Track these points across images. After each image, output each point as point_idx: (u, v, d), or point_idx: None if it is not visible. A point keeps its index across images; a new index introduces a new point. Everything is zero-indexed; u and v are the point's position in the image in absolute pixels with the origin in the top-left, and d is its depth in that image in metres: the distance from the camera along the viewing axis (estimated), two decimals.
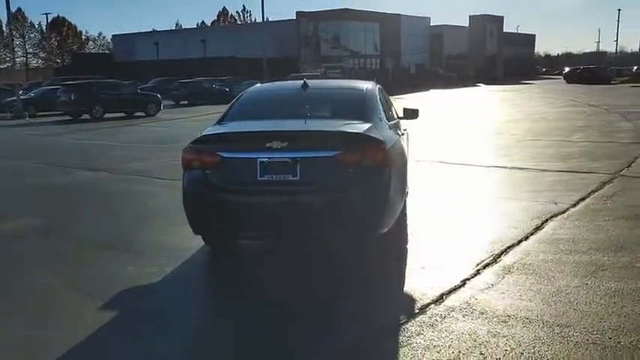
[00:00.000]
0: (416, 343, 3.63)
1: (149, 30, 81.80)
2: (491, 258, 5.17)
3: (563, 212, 6.68)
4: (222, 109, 6.06)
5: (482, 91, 46.77)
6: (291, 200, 4.60)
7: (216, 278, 5.35)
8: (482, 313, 4.02)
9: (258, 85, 6.82)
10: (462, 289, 4.51)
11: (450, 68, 67.26)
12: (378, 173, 4.67)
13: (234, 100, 6.08)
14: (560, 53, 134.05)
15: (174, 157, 6.88)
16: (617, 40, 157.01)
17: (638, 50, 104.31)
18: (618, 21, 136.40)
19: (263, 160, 4.59)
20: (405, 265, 5.17)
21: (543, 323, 3.83)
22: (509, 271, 4.86)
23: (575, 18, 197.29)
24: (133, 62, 64.60)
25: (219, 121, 5.48)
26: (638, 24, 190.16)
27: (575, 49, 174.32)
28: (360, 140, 4.69)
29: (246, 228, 4.89)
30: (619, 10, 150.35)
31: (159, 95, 28.33)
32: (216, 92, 36.14)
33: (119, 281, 4.92)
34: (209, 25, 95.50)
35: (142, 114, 26.41)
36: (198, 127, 6.81)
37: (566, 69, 64.79)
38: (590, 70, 57.46)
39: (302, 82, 5.90)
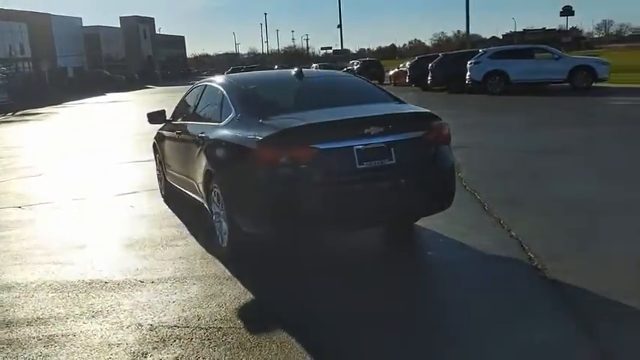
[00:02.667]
0: None
1: None
2: None
3: None
4: None
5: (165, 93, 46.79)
6: (395, 184, 4.57)
7: None
8: None
9: (227, 79, 6.04)
10: None
11: (112, 70, 65.04)
12: (448, 148, 4.98)
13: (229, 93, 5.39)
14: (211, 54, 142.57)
15: None
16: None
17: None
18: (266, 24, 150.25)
19: (359, 147, 4.41)
20: None
21: None
22: None
23: (214, 20, 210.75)
24: None
25: (246, 117, 4.90)
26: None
27: (212, 51, 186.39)
28: (434, 119, 4.90)
29: (354, 218, 4.65)
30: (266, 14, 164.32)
31: None
32: None
33: None
34: None
35: None
36: None
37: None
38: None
39: (295, 71, 5.67)
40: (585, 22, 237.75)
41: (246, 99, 5.25)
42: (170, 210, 7.01)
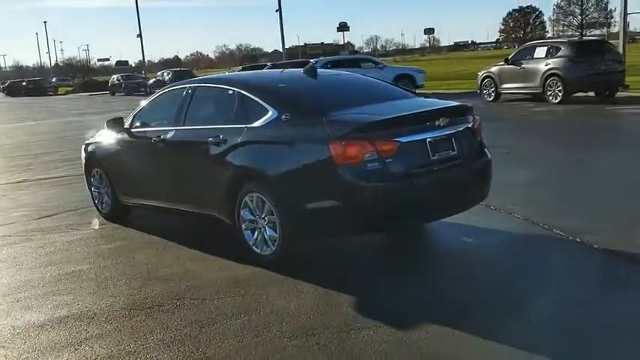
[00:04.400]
0: None
1: None
2: None
3: None
4: None
5: None
6: (461, 174, 4.79)
7: None
8: None
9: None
10: None
11: None
12: (482, 138, 5.27)
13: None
14: None
15: None
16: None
17: None
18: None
19: (430, 139, 4.56)
20: None
21: None
22: None
23: None
24: None
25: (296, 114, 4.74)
26: None
27: None
28: (473, 111, 5.20)
29: (435, 210, 4.74)
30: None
31: None
32: None
33: None
34: None
35: None
36: None
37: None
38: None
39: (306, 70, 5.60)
40: (355, 37, 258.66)
41: (288, 98, 5.03)
42: (137, 228, 6.43)
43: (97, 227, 6.59)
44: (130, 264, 5.27)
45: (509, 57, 17.34)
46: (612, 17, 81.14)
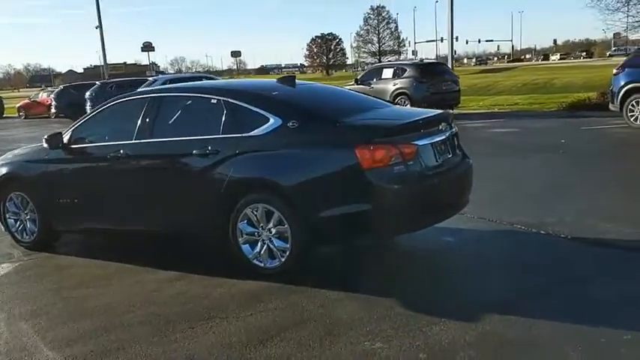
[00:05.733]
0: None
1: None
2: None
3: None
4: None
5: None
6: (463, 175, 5.08)
7: None
8: None
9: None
10: None
11: None
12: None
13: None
14: None
15: None
16: None
17: None
18: None
19: (434, 143, 4.76)
20: None
21: None
22: None
23: None
24: None
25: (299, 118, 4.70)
26: None
27: None
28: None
29: (446, 210, 4.91)
30: None
31: None
32: None
33: None
34: None
35: None
36: None
37: None
38: None
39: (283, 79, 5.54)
40: (159, 58, 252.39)
41: (290, 105, 4.91)
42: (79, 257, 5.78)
43: (25, 259, 5.77)
44: (117, 290, 4.78)
45: (358, 78, 18.46)
46: (404, 45, 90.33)
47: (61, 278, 5.18)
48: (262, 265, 4.76)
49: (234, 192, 4.75)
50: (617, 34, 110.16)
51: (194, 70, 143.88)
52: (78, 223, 5.77)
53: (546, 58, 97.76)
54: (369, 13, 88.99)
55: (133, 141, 5.27)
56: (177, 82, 22.67)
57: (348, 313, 3.98)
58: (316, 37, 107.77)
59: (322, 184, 4.53)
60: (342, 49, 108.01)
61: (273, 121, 4.71)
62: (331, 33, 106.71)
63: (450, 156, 4.99)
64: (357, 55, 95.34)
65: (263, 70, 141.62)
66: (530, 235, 5.44)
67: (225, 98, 4.99)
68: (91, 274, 5.22)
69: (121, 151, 5.28)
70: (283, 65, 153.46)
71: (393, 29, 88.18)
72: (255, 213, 4.70)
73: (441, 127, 4.87)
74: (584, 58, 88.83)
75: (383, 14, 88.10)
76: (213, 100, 5.06)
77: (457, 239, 5.44)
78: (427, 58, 28.89)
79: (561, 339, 3.45)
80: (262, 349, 3.56)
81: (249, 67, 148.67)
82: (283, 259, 4.66)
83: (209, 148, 4.83)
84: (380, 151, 4.36)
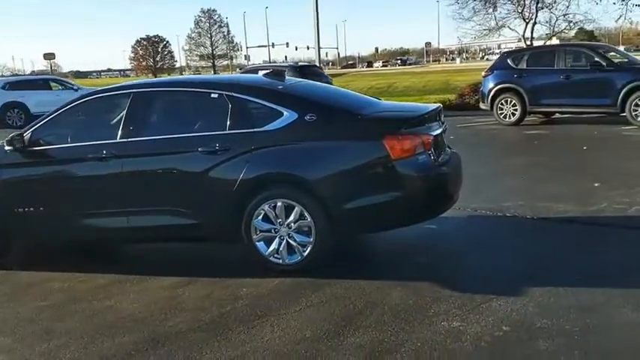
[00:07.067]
0: None
1: None
2: None
3: None
4: None
5: None
6: (459, 165, 5.26)
7: None
8: None
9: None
10: None
11: None
12: None
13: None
14: None
15: None
16: None
17: None
18: None
19: (437, 135, 4.90)
20: None
21: None
22: None
23: None
24: None
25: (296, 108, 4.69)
26: None
27: None
28: None
29: (454, 198, 5.06)
30: None
31: None
32: None
33: None
34: None
35: None
36: None
37: None
38: None
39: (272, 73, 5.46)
40: None
41: (303, 99, 4.85)
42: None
43: None
44: (128, 301, 4.38)
45: None
46: (238, 50, 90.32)
47: (45, 294, 4.61)
48: (281, 261, 4.67)
49: (249, 189, 4.60)
50: (427, 43, 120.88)
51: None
52: (42, 233, 5.16)
53: (370, 65, 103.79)
54: (200, 16, 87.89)
55: (118, 140, 4.86)
56: (23, 84, 20.99)
57: (401, 299, 4.08)
58: (142, 39, 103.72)
59: (349, 176, 4.56)
60: (170, 52, 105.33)
61: (287, 115, 4.65)
62: (157, 35, 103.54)
63: (446, 146, 5.29)
64: (189, 58, 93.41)
65: (81, 75, 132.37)
66: (502, 218, 5.94)
67: (230, 93, 4.81)
68: (79, 287, 4.72)
69: (104, 151, 4.84)
70: (106, 69, 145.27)
71: (225, 33, 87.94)
72: (274, 209, 4.61)
73: (440, 120, 5.15)
74: (399, 65, 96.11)
75: (214, 17, 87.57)
76: (214, 95, 4.85)
77: (441, 227, 5.76)
78: (301, 61, 29.36)
79: (615, 300, 3.85)
80: (344, 338, 3.54)
81: (65, 70, 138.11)
82: (305, 254, 4.62)
83: (217, 145, 4.64)
84: (407, 141, 4.52)
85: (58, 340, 3.77)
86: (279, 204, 4.59)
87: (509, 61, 13.38)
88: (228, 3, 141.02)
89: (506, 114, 13.17)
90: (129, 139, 4.84)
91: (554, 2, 19.93)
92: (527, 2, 19.94)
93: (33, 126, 5.13)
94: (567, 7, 20.07)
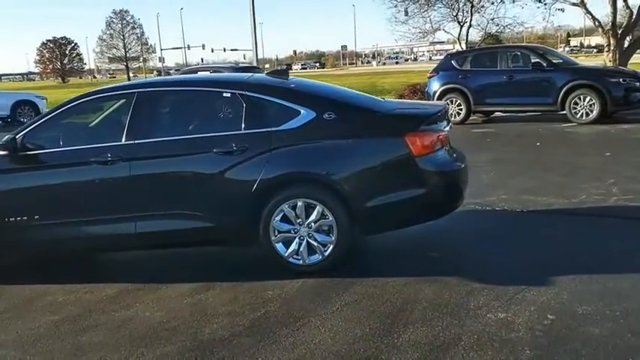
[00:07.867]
0: None
1: None
2: None
3: None
4: None
5: None
6: (465, 161, 5.25)
7: None
8: None
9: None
10: None
11: None
12: None
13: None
14: None
15: None
16: None
17: None
18: None
19: (444, 133, 4.92)
20: None
21: None
22: None
23: None
24: None
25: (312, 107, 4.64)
26: None
27: None
28: None
29: (464, 194, 5.06)
30: None
31: None
32: None
33: None
34: None
35: None
36: None
37: None
38: None
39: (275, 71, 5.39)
40: None
41: (318, 97, 4.79)
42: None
43: None
44: (148, 311, 4.15)
45: None
46: (153, 52, 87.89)
47: (53, 308, 4.29)
48: (301, 262, 4.58)
49: (268, 189, 4.49)
50: (344, 47, 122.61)
51: None
52: (38, 244, 4.80)
53: (289, 67, 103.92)
54: (111, 17, 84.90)
55: (124, 142, 4.61)
56: None
57: (435, 294, 4.10)
58: (48, 40, 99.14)
59: (371, 173, 4.55)
60: (79, 55, 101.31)
61: (305, 113, 4.58)
62: (65, 37, 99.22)
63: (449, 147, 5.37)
64: (100, 60, 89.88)
65: None
66: (493, 212, 6.11)
67: (243, 92, 4.68)
68: (88, 299, 4.43)
69: (109, 154, 4.57)
70: (6, 72, 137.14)
71: (139, 34, 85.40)
72: (293, 208, 4.52)
73: (447, 118, 5.23)
74: (317, 68, 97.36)
75: (127, 18, 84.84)
76: (226, 94, 4.70)
77: (439, 222, 5.79)
78: (243, 62, 28.93)
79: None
80: (397, 335, 3.53)
81: None
82: (326, 254, 4.56)
83: (234, 145, 4.49)
84: (427, 137, 4.56)
85: (93, 354, 3.53)
86: (299, 204, 4.51)
87: (453, 62, 13.83)
88: (140, 4, 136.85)
89: (451, 113, 13.57)
90: (136, 141, 4.60)
91: (482, 7, 20.81)
92: (460, 5, 20.69)
93: (24, 130, 4.75)
94: (495, 11, 21.00)
